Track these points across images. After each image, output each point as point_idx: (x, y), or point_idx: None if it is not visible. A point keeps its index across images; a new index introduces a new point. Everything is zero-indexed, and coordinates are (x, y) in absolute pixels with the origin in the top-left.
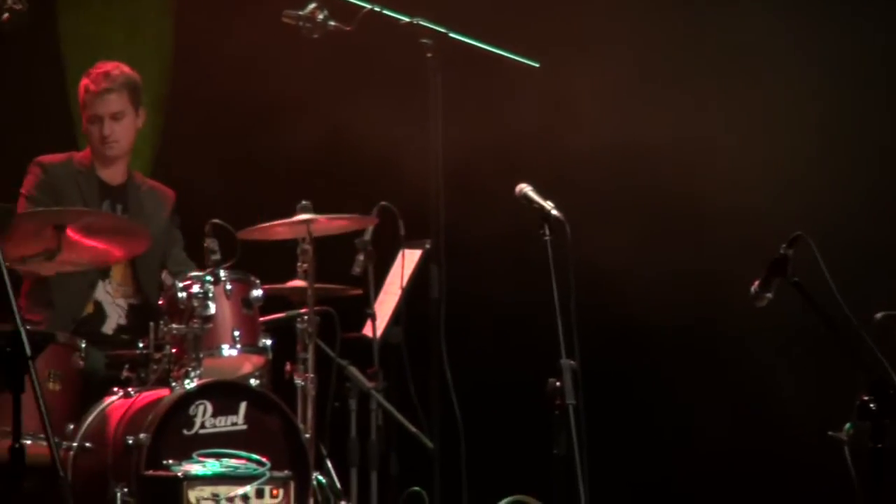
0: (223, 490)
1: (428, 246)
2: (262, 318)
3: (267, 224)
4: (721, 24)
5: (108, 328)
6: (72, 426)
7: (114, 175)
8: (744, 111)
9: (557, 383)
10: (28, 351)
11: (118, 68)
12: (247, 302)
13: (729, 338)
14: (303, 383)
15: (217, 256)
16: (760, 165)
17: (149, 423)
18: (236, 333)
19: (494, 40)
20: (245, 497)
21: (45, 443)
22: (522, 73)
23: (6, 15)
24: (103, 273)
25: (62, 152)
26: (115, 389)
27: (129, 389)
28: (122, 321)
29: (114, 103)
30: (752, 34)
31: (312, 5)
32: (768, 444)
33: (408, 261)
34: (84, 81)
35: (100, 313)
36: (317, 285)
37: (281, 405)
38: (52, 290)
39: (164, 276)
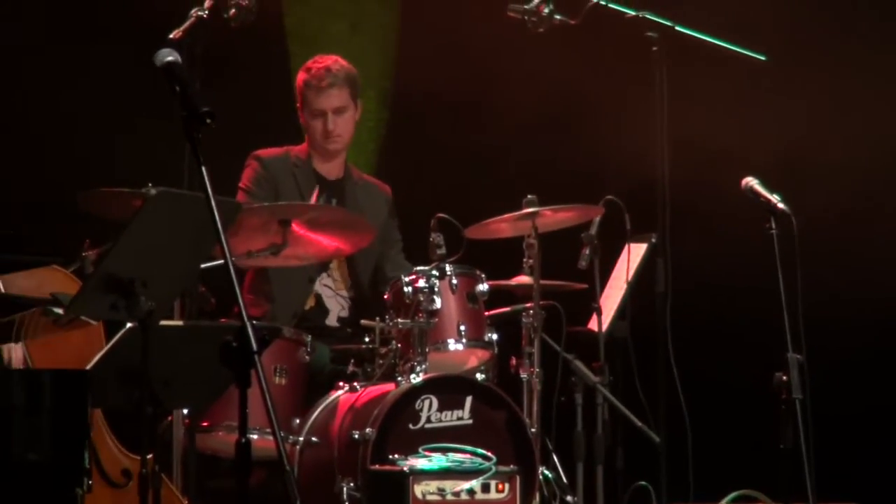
0: (449, 485)
1: (654, 240)
2: (487, 313)
3: (493, 219)
4: None
5: (331, 321)
6: (298, 420)
7: (331, 169)
8: None
9: (784, 377)
10: (254, 346)
11: (337, 62)
12: (472, 296)
13: None
14: (528, 378)
15: (442, 251)
16: None
17: (375, 418)
18: (462, 328)
19: (721, 34)
20: (471, 491)
21: (271, 437)
22: (749, 67)
23: (233, 10)
24: (323, 266)
25: (288, 145)
26: (341, 384)
27: (355, 384)
28: (344, 313)
29: (336, 98)
30: None
31: None
32: None
33: (633, 255)
34: (303, 76)
35: (321, 307)
36: (542, 281)
37: (506, 399)
38: (273, 284)
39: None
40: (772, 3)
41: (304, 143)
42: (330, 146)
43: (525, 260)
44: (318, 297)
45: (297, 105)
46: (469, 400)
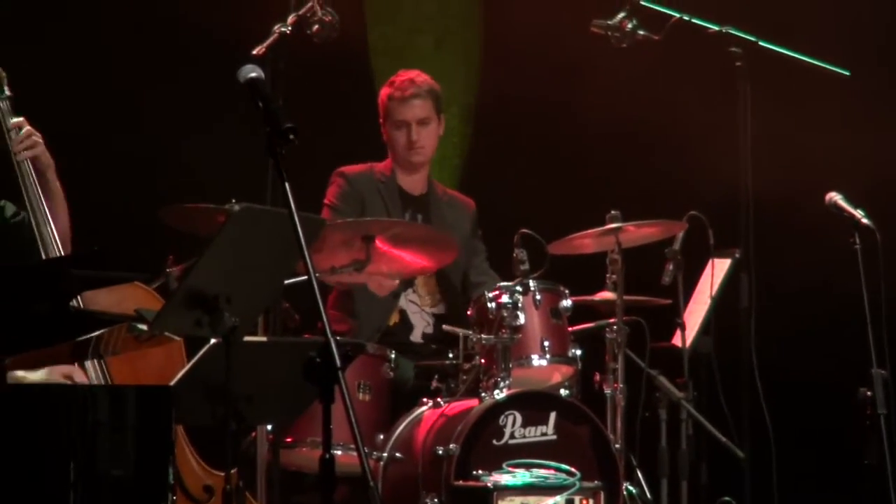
0: (533, 500)
1: (737, 255)
2: (570, 328)
3: (576, 235)
4: None
5: (415, 337)
6: (382, 436)
7: (415, 185)
8: None
9: (868, 393)
10: (338, 362)
11: (421, 76)
12: (556, 312)
13: None
14: (612, 393)
15: (526, 267)
16: None
17: (458, 434)
18: (546, 343)
19: (804, 49)
20: None
21: (355, 453)
22: (832, 82)
23: (316, 27)
24: (407, 283)
25: (371, 162)
26: (425, 400)
27: (439, 399)
28: (429, 330)
29: (420, 109)
30: None
31: (622, 15)
32: None
33: (717, 270)
34: (386, 90)
35: (405, 323)
36: (626, 296)
37: (590, 415)
38: (357, 301)
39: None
40: (856, 18)
41: (386, 159)
42: (413, 158)
43: (608, 275)
44: (403, 314)
45: (380, 120)
46: (553, 416)
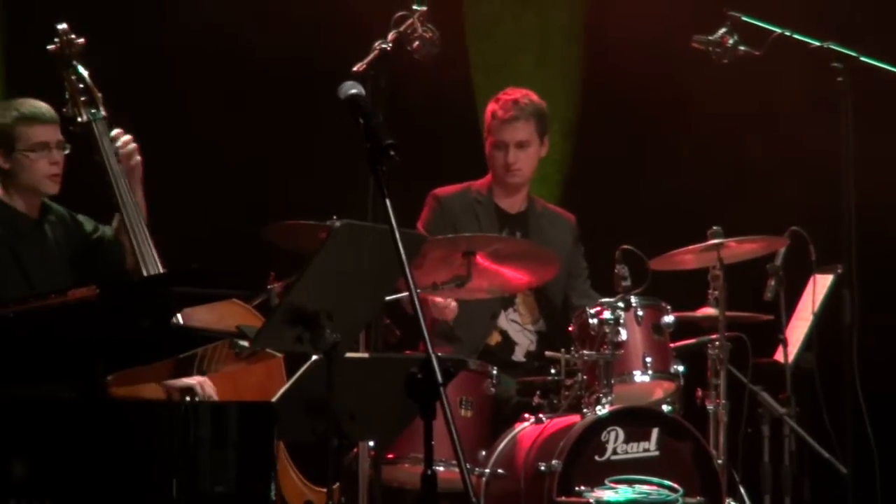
0: None
1: (839, 271)
2: (672, 344)
3: (678, 251)
4: None
5: (518, 356)
6: (483, 452)
7: (513, 203)
8: None
9: None
10: (439, 378)
11: (526, 96)
12: (657, 328)
13: None
14: (714, 409)
15: (627, 283)
16: None
17: (561, 450)
18: (648, 359)
19: None
20: None
21: (457, 469)
22: None
23: (416, 43)
24: (506, 302)
25: (471, 180)
26: (526, 416)
27: (541, 416)
28: (532, 348)
29: (520, 131)
30: None
31: (723, 30)
32: None
33: (819, 286)
34: (492, 106)
35: (508, 342)
36: (728, 312)
37: (693, 431)
38: (454, 324)
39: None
40: None
41: (487, 175)
42: (509, 179)
43: (710, 291)
44: (505, 334)
45: (484, 135)
46: (655, 432)
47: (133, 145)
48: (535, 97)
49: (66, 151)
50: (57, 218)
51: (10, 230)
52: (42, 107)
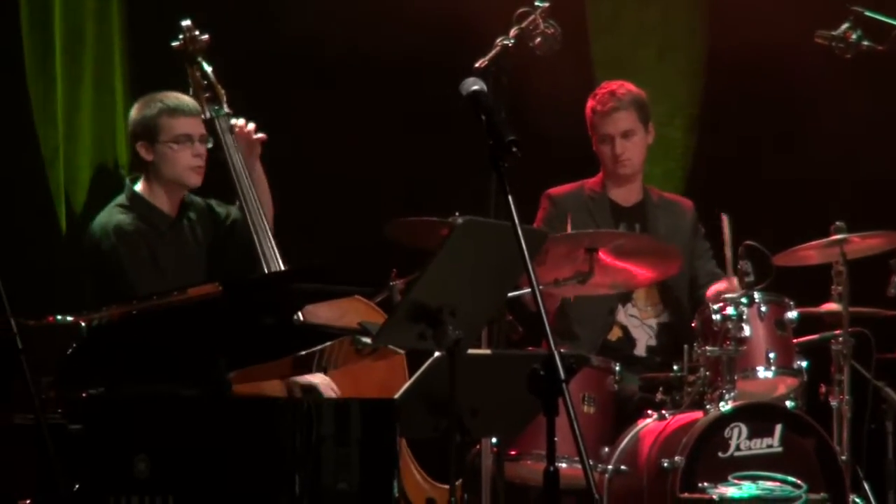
0: None
1: None
2: (795, 340)
3: (801, 246)
4: None
5: (639, 351)
6: (606, 449)
7: (627, 195)
8: None
9: None
10: (562, 374)
11: (623, 87)
12: (781, 323)
13: None
14: (838, 405)
15: (751, 278)
16: None
17: (683, 446)
18: (771, 355)
19: None
20: None
21: (579, 466)
22: None
23: (538, 39)
24: (624, 297)
25: (584, 179)
26: (649, 412)
27: (663, 412)
28: (652, 342)
29: (622, 121)
30: None
31: (846, 25)
32: None
33: None
34: (590, 103)
35: (628, 338)
36: (851, 308)
37: (816, 427)
38: (573, 320)
39: None
40: None
41: (599, 173)
42: (620, 171)
43: (833, 287)
44: (625, 329)
45: (590, 133)
46: (779, 428)
47: (252, 124)
48: (631, 86)
49: (210, 145)
50: (196, 213)
51: (150, 228)
52: (185, 99)
